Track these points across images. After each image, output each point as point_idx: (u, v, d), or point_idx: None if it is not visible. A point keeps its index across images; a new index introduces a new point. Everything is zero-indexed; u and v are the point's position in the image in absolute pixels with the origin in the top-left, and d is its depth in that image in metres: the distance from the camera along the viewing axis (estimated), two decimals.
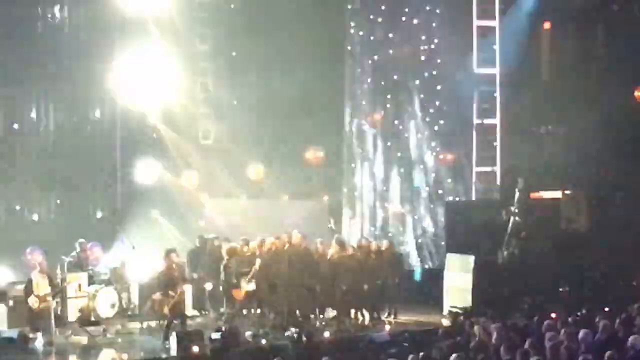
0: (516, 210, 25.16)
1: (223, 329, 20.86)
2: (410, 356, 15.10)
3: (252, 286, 22.80)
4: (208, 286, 23.67)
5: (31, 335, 20.83)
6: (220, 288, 23.06)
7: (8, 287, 22.25)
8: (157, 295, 21.89)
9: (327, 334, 21.19)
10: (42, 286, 20.94)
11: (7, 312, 21.94)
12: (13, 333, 21.10)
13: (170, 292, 21.05)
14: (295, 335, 20.27)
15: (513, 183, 26.17)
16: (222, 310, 23.17)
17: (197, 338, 20.16)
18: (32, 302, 20.88)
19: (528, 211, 25.48)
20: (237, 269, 22.68)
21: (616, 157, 27.08)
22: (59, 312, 21.36)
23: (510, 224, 25.21)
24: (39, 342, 20.67)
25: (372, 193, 29.42)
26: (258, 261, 22.78)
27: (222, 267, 22.81)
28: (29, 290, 21.06)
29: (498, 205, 26.88)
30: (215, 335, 20.41)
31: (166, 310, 21.24)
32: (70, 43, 26.75)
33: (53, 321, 20.72)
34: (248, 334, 21.00)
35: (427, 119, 29.08)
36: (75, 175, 26.88)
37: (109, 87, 26.17)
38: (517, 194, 25.44)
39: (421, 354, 15.24)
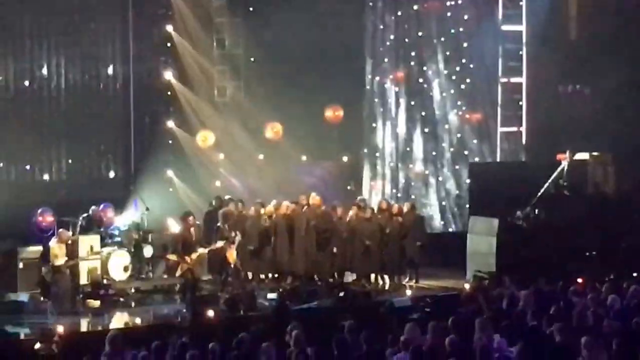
0: (565, 184, 24.28)
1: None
2: (432, 322, 14.43)
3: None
4: None
5: (42, 299, 20.47)
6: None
7: (19, 250, 21.82)
8: (172, 257, 21.51)
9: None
10: (59, 256, 20.58)
11: (18, 275, 21.54)
12: (24, 297, 20.66)
13: (186, 256, 20.75)
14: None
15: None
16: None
17: (212, 302, 19.87)
18: (45, 271, 20.67)
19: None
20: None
21: None
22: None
23: (543, 189, 24.30)
24: (49, 307, 20.18)
25: (394, 153, 28.91)
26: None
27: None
28: (45, 259, 20.84)
29: (524, 167, 26.22)
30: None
31: (181, 273, 20.99)
32: None
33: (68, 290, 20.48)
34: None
35: (453, 77, 28.55)
36: (87, 135, 26.59)
37: (122, 43, 25.87)
38: (565, 166, 24.49)
39: (451, 318, 14.52)
